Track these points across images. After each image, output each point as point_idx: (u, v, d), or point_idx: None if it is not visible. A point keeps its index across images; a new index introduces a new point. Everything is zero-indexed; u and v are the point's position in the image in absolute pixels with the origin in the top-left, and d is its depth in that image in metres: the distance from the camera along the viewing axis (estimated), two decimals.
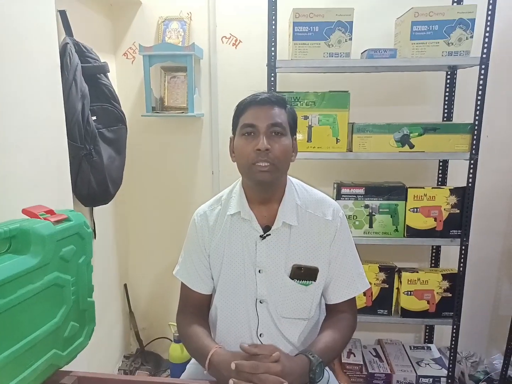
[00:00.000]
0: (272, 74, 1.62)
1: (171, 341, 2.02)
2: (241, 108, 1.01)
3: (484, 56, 1.55)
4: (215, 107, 1.99)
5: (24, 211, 0.87)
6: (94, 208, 1.73)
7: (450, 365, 1.78)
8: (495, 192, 1.94)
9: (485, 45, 1.54)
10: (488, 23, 1.54)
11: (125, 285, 2.17)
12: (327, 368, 1.04)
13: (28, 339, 0.77)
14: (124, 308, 2.18)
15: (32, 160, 1.11)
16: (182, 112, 1.92)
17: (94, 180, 1.52)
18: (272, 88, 1.63)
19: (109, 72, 1.60)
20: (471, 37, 1.56)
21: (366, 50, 1.63)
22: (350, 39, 1.58)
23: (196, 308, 1.11)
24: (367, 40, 1.75)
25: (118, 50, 2.00)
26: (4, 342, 0.72)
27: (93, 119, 1.50)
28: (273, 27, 1.58)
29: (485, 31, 1.54)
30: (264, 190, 1.02)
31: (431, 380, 1.81)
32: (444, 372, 1.81)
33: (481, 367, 1.99)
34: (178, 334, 1.87)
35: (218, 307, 1.09)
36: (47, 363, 0.83)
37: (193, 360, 1.15)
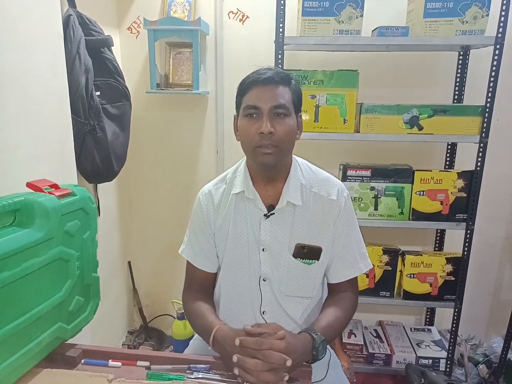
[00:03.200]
0: (280, 51, 1.58)
1: (174, 318, 2.05)
2: (244, 88, 0.98)
3: (499, 35, 1.49)
4: (221, 85, 1.95)
5: (29, 185, 0.87)
6: (98, 185, 1.72)
7: (450, 347, 1.79)
8: (500, 177, 1.91)
9: (501, 24, 1.49)
10: (505, 1, 1.48)
11: (129, 263, 2.18)
12: (328, 347, 1.04)
13: (33, 312, 0.78)
14: (128, 285, 2.20)
15: (34, 134, 1.09)
16: (187, 90, 1.88)
17: (98, 157, 1.50)
18: (280, 66, 1.59)
19: (113, 46, 1.56)
20: (487, 15, 1.50)
21: (377, 28, 1.58)
22: (361, 15, 1.53)
23: (201, 286, 1.11)
24: (378, 17, 1.70)
25: (122, 24, 1.95)
26: (10, 314, 0.73)
27: (97, 94, 1.48)
28: (282, 1, 1.53)
29: (501, 9, 1.48)
30: (268, 171, 1.01)
31: (430, 361, 1.83)
32: (444, 353, 1.83)
33: (480, 350, 2.01)
34: (182, 311, 1.90)
35: (222, 285, 1.10)
36: (52, 336, 0.84)
37: (196, 335, 1.16)
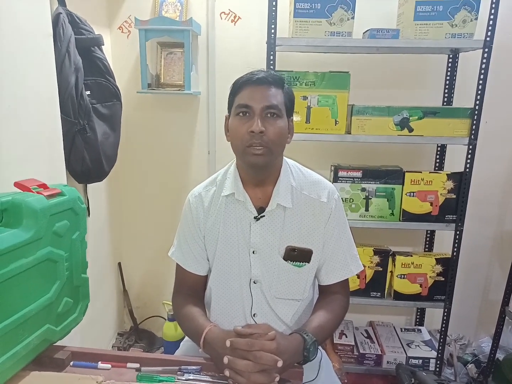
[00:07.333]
0: (272, 53, 1.58)
1: (165, 319, 2.04)
2: (237, 87, 0.98)
3: (488, 39, 1.52)
4: (213, 86, 1.95)
5: (16, 184, 0.85)
6: (88, 185, 1.71)
7: (440, 347, 1.81)
8: (489, 179, 1.94)
9: (489, 28, 1.51)
10: (493, 5, 1.50)
11: (119, 264, 2.16)
12: (320, 347, 1.05)
13: (21, 314, 0.76)
14: (118, 287, 2.18)
15: (22, 133, 1.08)
16: (179, 90, 1.88)
17: (88, 157, 1.49)
18: (271, 67, 1.59)
19: (103, 45, 1.55)
20: (476, 19, 1.52)
21: (368, 30, 1.59)
22: (353, 17, 1.54)
23: (191, 289, 1.10)
24: (369, 20, 1.71)
25: (113, 23, 1.93)
26: None
27: (87, 93, 1.46)
28: (274, 3, 1.54)
29: (490, 13, 1.50)
30: (258, 172, 1.00)
31: (420, 361, 1.85)
32: (434, 353, 1.85)
33: (469, 350, 2.03)
34: (172, 313, 1.89)
35: (213, 287, 1.09)
36: (40, 338, 0.83)
37: (187, 337, 1.15)
